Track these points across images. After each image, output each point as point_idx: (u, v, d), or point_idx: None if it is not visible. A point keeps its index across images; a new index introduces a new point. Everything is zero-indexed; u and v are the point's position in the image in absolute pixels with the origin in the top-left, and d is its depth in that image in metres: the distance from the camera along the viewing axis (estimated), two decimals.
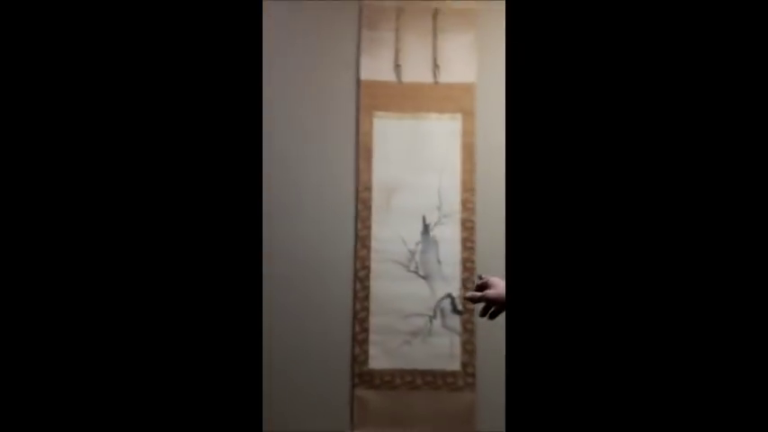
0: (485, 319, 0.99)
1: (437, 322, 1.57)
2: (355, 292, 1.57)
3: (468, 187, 1.59)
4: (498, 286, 0.95)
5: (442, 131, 1.61)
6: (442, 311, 1.58)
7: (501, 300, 0.94)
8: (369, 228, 1.58)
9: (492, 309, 0.96)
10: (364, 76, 1.61)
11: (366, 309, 1.57)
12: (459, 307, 1.58)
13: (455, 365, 1.56)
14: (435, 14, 1.63)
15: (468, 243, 1.58)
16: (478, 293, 0.97)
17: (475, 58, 1.62)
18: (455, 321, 1.57)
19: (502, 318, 1.50)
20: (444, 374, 1.56)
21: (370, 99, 1.61)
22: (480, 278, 1.01)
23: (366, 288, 1.58)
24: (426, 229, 1.59)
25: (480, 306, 0.97)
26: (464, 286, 1.57)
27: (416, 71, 1.62)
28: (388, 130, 1.61)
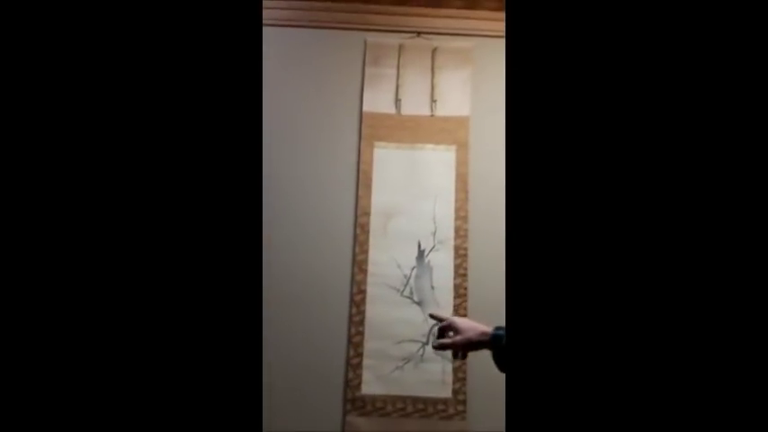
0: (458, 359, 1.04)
1: (429, 348, 1.58)
2: (351, 316, 1.59)
3: (462, 215, 1.65)
4: (463, 330, 0.99)
5: (438, 161, 1.68)
6: (435, 337, 1.59)
7: (470, 343, 0.98)
8: (366, 252, 1.62)
9: (461, 351, 1.01)
10: (366, 108, 1.70)
11: (361, 333, 1.59)
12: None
13: (446, 392, 1.56)
14: (434, 52, 1.74)
15: (460, 270, 1.62)
16: (447, 341, 1.01)
17: (469, 94, 1.72)
18: None
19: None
20: (435, 402, 1.55)
21: (371, 130, 1.69)
22: (437, 319, 1.06)
23: (361, 312, 1.60)
24: (421, 254, 1.63)
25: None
26: (456, 312, 1.59)
27: (415, 105, 1.71)
28: (388, 159, 1.68)
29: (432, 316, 1.10)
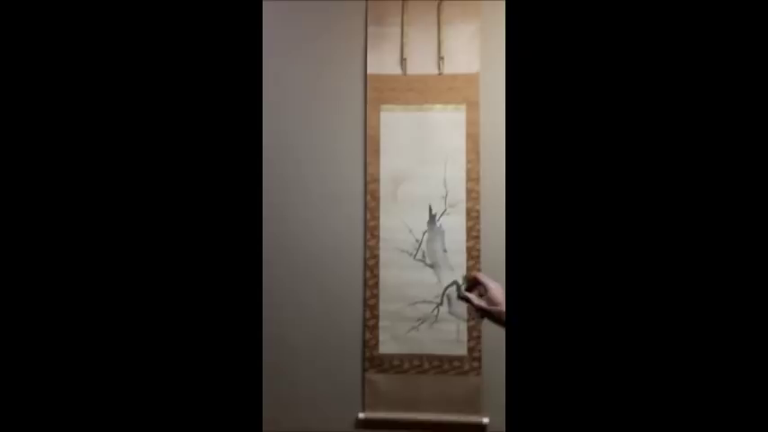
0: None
1: (444, 309, 1.62)
2: (365, 280, 1.64)
3: (473, 177, 1.62)
4: (491, 299, 1.01)
5: (447, 122, 1.63)
6: (449, 298, 1.62)
7: (488, 313, 1.02)
8: (377, 218, 1.64)
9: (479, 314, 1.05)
10: (371, 70, 1.65)
11: (375, 296, 1.63)
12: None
13: (461, 350, 1.61)
14: (440, 6, 1.65)
15: (473, 232, 1.61)
16: (474, 298, 1.04)
17: (478, 49, 1.63)
18: (461, 308, 1.62)
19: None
20: (451, 359, 1.61)
21: (376, 92, 1.65)
22: (469, 280, 1.07)
23: (375, 276, 1.63)
24: (432, 218, 1.63)
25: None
26: (469, 273, 1.61)
27: (421, 63, 1.65)
28: (395, 123, 1.65)
29: (471, 278, 1.10)
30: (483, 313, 1.04)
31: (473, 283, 1.07)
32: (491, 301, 1.01)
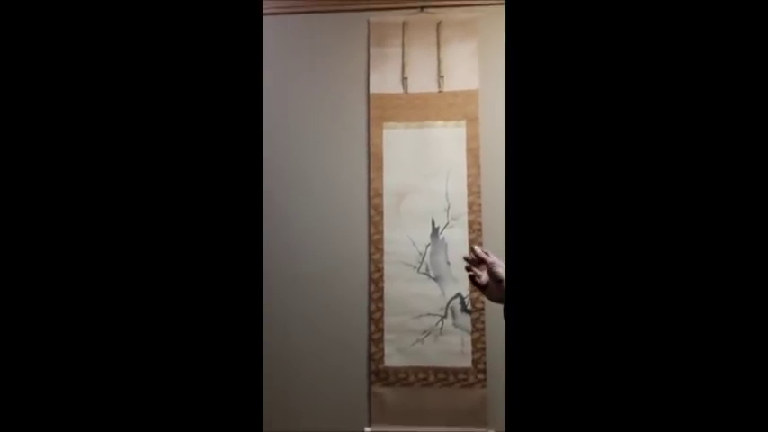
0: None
1: (448, 321, 1.64)
2: (370, 294, 1.66)
3: (474, 190, 1.65)
4: (493, 274, 1.01)
5: (448, 138, 1.68)
6: (453, 311, 1.64)
7: (487, 290, 1.04)
8: (381, 232, 1.67)
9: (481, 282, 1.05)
10: (373, 89, 1.71)
11: (380, 309, 1.65)
12: (469, 307, 1.63)
13: (466, 362, 1.62)
14: (439, 26, 1.71)
15: (475, 244, 1.64)
16: (476, 274, 1.05)
17: (477, 66, 1.69)
18: (465, 320, 1.63)
19: None
20: (456, 371, 1.61)
21: (379, 111, 1.70)
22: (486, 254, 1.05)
23: (380, 289, 1.66)
24: (435, 231, 1.66)
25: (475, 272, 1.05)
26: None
27: (422, 82, 1.70)
28: (397, 140, 1.69)
29: (473, 251, 1.08)
30: (482, 290, 1.05)
31: (477, 261, 1.06)
32: (493, 276, 1.01)
